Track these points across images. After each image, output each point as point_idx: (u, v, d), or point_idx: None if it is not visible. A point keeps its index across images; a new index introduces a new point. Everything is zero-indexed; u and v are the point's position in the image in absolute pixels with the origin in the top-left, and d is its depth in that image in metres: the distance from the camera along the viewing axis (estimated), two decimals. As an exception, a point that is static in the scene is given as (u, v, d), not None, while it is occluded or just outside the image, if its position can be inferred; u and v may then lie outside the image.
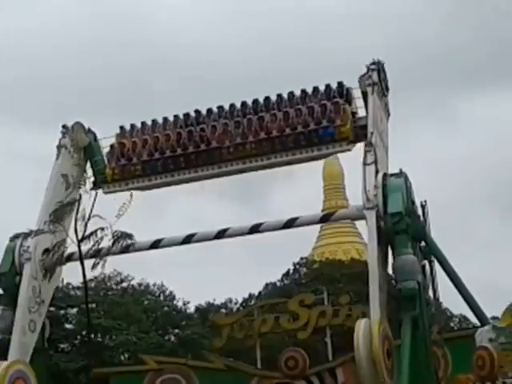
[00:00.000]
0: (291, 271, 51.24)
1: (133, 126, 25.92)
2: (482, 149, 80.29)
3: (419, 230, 22.52)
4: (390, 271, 21.66)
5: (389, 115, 24.37)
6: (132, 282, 50.04)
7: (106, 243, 20.80)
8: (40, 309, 23.98)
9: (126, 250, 22.27)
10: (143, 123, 25.79)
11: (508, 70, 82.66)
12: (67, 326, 44.75)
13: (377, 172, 21.92)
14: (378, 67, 23.67)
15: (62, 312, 43.81)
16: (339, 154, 26.12)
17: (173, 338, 47.67)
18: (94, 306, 44.43)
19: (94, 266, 14.37)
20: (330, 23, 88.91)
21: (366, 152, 22.08)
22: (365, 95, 23.46)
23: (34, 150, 74.39)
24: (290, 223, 23.61)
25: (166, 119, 25.62)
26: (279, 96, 24.86)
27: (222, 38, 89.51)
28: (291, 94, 24.83)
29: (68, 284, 43.98)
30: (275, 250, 56.56)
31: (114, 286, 49.24)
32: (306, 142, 23.88)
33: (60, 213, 13.59)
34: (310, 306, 29.75)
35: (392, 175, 22.23)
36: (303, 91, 24.78)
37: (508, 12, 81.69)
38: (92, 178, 25.19)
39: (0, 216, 64.48)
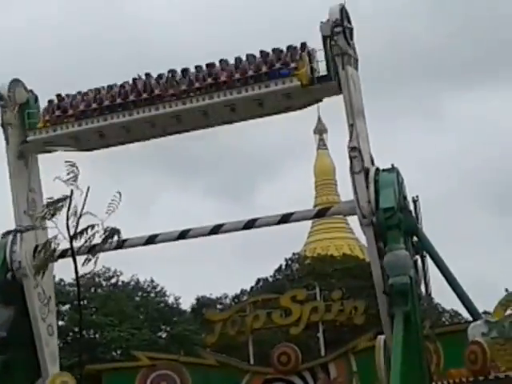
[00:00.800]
0: (283, 267, 51.23)
1: (79, 92, 24.33)
2: (468, 146, 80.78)
3: (411, 225, 22.55)
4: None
5: (356, 60, 22.47)
6: (122, 278, 49.84)
7: (96, 240, 20.79)
8: (50, 307, 24.43)
9: (120, 245, 22.10)
10: (90, 89, 24.12)
11: (494, 68, 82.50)
12: (60, 322, 44.62)
13: (366, 174, 21.80)
14: (343, 26, 21.61)
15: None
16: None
17: (165, 335, 47.63)
18: (85, 302, 44.36)
19: (84, 262, 14.27)
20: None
21: (351, 158, 21.61)
22: (324, 39, 21.75)
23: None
24: (286, 218, 23.59)
25: (113, 84, 23.85)
26: (237, 58, 22.90)
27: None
28: (251, 56, 22.84)
29: (60, 280, 43.86)
30: (266, 246, 56.69)
31: (103, 283, 49.07)
32: (255, 81, 22.12)
33: (52, 209, 13.47)
34: (303, 302, 29.71)
35: (384, 170, 22.23)
36: (262, 52, 22.77)
37: (495, 11, 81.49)
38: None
39: None
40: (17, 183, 23.85)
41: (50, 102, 24.14)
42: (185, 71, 23.08)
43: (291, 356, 28.55)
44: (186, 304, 51.19)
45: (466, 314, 31.44)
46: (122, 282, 49.81)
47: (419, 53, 78.86)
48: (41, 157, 24.46)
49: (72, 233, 14.02)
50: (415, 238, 22.97)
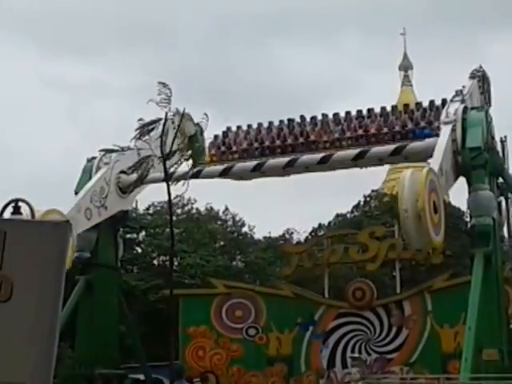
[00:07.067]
0: (361, 203, 50.96)
1: (239, 127, 27.13)
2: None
3: (497, 165, 22.19)
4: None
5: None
6: (195, 206, 49.41)
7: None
8: (100, 210, 24.75)
9: (196, 175, 22.23)
10: (249, 125, 26.99)
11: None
12: (138, 249, 45.26)
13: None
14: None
15: (131, 236, 44.19)
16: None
17: (239, 264, 47.88)
18: (158, 230, 44.80)
19: (177, 181, 14.33)
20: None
21: None
22: None
23: (65, 78, 75.36)
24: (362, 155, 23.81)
25: (271, 122, 26.79)
26: (383, 109, 25.92)
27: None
28: (396, 107, 26.14)
29: (135, 209, 44.26)
30: (345, 183, 56.32)
31: (178, 211, 48.67)
32: (401, 137, 24.57)
33: (144, 130, 13.60)
34: (380, 239, 29.46)
35: (473, 108, 21.82)
36: (406, 106, 26.20)
37: None
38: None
39: (35, 140, 65.96)
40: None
41: (216, 137, 26.94)
42: (336, 115, 26.00)
43: (366, 291, 28.48)
44: (260, 234, 50.94)
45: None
46: (197, 209, 49.61)
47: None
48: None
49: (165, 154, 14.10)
50: (501, 179, 22.62)
